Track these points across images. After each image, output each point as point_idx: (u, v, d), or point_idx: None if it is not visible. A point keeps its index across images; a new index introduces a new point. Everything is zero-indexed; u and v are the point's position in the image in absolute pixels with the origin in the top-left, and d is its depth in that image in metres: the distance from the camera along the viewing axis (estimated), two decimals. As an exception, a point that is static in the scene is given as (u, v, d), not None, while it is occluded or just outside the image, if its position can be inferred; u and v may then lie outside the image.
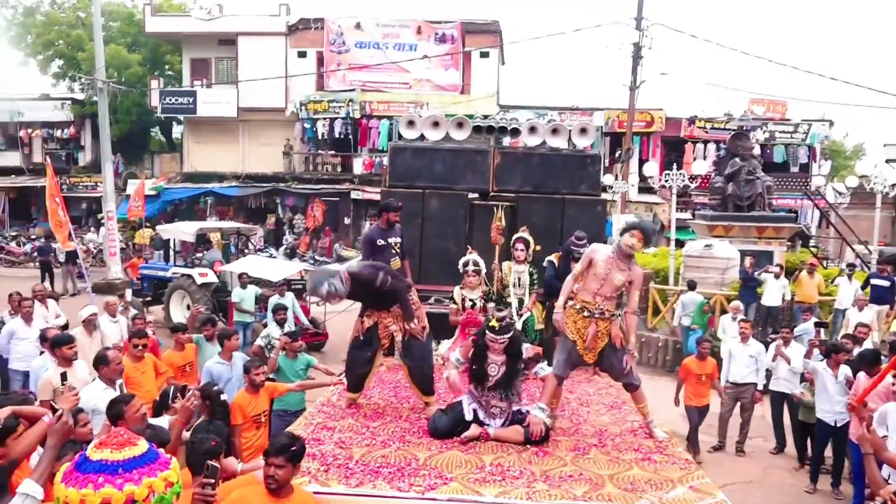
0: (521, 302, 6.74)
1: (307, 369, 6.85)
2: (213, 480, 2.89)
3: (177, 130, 32.61)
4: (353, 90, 27.36)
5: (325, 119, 27.40)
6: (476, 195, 7.88)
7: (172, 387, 5.24)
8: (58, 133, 29.86)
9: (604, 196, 8.34)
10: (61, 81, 32.19)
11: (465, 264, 6.37)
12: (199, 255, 15.08)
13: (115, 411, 4.06)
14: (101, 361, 5.35)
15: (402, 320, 5.09)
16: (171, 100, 28.00)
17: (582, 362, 4.88)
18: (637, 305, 4.75)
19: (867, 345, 8.61)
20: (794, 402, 8.20)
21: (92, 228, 27.11)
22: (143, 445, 1.93)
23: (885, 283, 11.92)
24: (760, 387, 8.58)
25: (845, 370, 7.06)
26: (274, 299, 11.47)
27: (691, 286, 12.57)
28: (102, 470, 1.84)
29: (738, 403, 8.62)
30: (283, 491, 3.29)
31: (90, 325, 7.66)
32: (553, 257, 6.76)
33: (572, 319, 4.72)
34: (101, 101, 18.22)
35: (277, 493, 3.28)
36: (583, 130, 7.90)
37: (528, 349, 5.08)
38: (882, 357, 7.22)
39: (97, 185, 24.98)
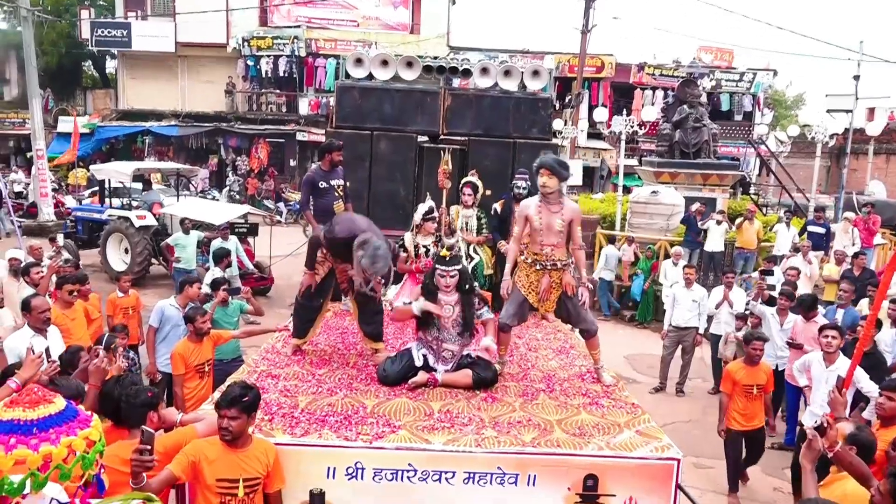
0: (469, 246, 6.67)
1: (240, 315, 6.70)
2: (149, 446, 2.79)
3: (111, 65, 30.96)
4: (298, 27, 26.36)
5: (269, 56, 26.40)
6: (426, 138, 7.68)
7: (108, 333, 5.02)
8: (-21, 65, 28.05)
9: (554, 141, 8.23)
10: (-19, 10, 30.06)
11: (430, 212, 6.20)
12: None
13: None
14: (24, 308, 5.09)
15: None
16: (103, 32, 26.38)
17: (532, 311, 4.86)
18: (582, 240, 4.70)
19: (804, 289, 8.92)
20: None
21: (14, 168, 25.71)
22: (59, 403, 1.77)
23: (821, 230, 12.30)
24: (702, 330, 8.81)
25: (793, 318, 7.26)
26: (217, 243, 11.15)
27: (610, 240, 12.83)
28: (14, 430, 1.68)
29: (680, 346, 8.85)
30: (239, 441, 3.22)
31: (12, 270, 7.30)
32: (497, 205, 6.68)
33: (525, 273, 4.68)
34: (26, 31, 17.09)
35: (234, 443, 3.20)
36: (535, 73, 7.72)
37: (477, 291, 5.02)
38: (818, 302, 7.47)
39: (25, 121, 23.61)
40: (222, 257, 9.34)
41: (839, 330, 5.78)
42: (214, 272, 9.02)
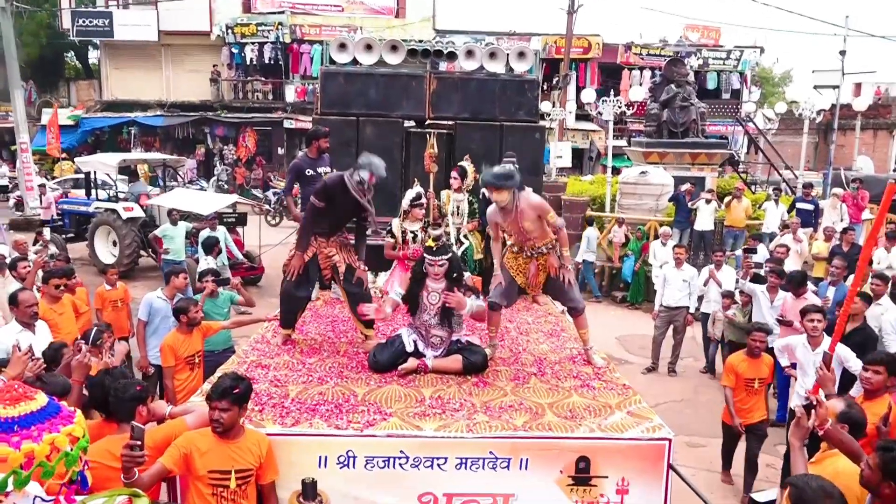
0: (459, 231, 6.64)
1: (230, 306, 6.67)
2: (139, 441, 2.78)
3: (93, 55, 30.56)
4: (282, 12, 26.09)
5: (253, 44, 26.14)
6: (412, 123, 7.62)
7: (95, 328, 4.97)
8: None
9: (542, 123, 8.18)
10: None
11: (418, 197, 6.14)
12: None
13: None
14: (11, 302, 5.04)
15: (346, 251, 4.91)
16: (84, 21, 25.99)
17: (523, 290, 4.86)
18: (558, 221, 4.67)
19: (793, 266, 8.94)
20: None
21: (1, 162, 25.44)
22: (41, 399, 1.74)
23: (809, 207, 12.35)
24: (693, 310, 8.84)
25: (783, 296, 7.27)
26: (205, 233, 11.09)
27: (589, 222, 12.85)
28: (-5, 428, 1.65)
29: (671, 326, 8.88)
30: (231, 432, 3.21)
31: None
32: (486, 189, 6.64)
33: (513, 256, 4.69)
34: (5, 22, 16.81)
35: (225, 435, 3.18)
36: (521, 54, 7.67)
37: (466, 279, 5.00)
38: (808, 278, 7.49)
39: (8, 114, 23.30)
40: (213, 246, 9.28)
41: (822, 312, 5.60)
42: (207, 261, 8.97)
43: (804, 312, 5.58)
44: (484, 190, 6.64)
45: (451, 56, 7.59)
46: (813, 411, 3.26)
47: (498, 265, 4.75)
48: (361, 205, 4.62)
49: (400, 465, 3.43)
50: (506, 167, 4.52)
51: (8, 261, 7.12)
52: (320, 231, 4.86)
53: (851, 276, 7.89)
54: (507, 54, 7.48)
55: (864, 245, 4.06)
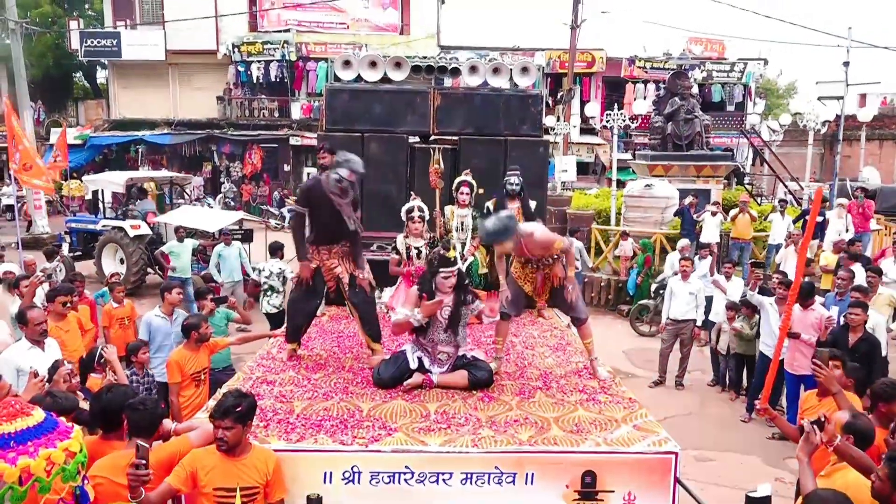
0: (464, 246, 6.65)
1: (227, 324, 6.69)
2: (144, 460, 2.79)
3: (101, 75, 30.87)
4: (288, 31, 26.33)
5: (259, 62, 26.40)
6: (417, 138, 7.66)
7: (100, 347, 5.01)
8: (-31, 79, 27.93)
9: (546, 137, 8.22)
10: (-32, 22, 29.95)
11: (410, 210, 6.14)
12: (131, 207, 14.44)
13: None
14: (20, 320, 5.07)
15: (347, 261, 4.93)
16: (92, 42, 26.33)
17: (530, 304, 4.89)
18: (564, 244, 4.68)
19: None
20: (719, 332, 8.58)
21: (6, 181, 25.61)
22: (38, 415, 1.74)
23: (818, 219, 12.30)
24: (699, 322, 8.80)
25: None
26: (219, 248, 11.20)
27: (572, 232, 12.79)
28: (-9, 443, 1.66)
29: (679, 339, 8.83)
30: (237, 450, 3.20)
31: (5, 283, 7.28)
32: (490, 203, 6.65)
33: (520, 268, 4.73)
34: (15, 44, 17.07)
35: (231, 452, 3.18)
36: (524, 70, 7.71)
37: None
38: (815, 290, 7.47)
39: (16, 134, 23.54)
40: (277, 249, 9.46)
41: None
42: (270, 263, 9.37)
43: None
44: (488, 204, 6.68)
45: (455, 72, 7.65)
46: (822, 427, 3.27)
47: (503, 277, 4.76)
48: (344, 208, 4.63)
49: (405, 480, 3.42)
50: (498, 221, 4.40)
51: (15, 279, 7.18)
52: (318, 241, 4.88)
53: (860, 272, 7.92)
54: (511, 69, 7.52)
55: (809, 220, 4.21)
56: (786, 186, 18.83)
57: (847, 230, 11.68)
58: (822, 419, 3.34)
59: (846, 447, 3.31)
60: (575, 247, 12.80)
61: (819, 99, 22.62)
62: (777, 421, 4.46)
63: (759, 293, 7.81)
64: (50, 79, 28.10)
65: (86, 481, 1.78)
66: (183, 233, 11.47)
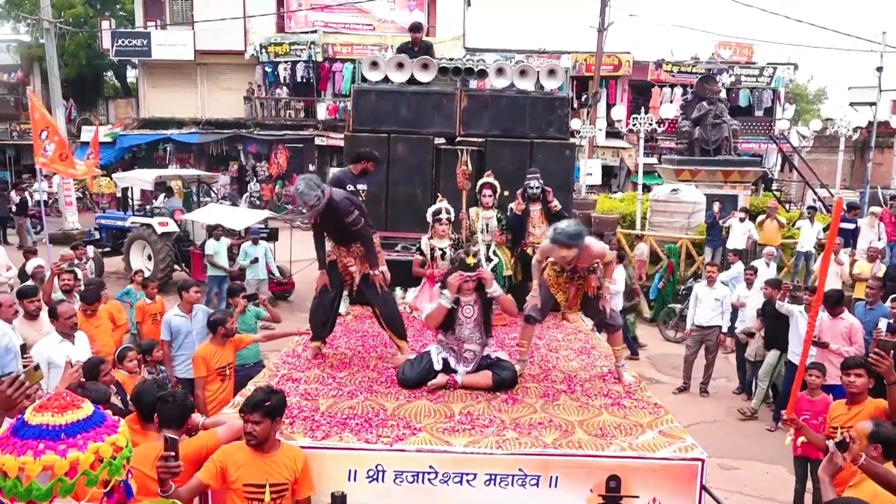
0: (489, 248, 6.64)
1: (257, 322, 6.75)
2: (173, 452, 2.82)
3: (131, 74, 31.34)
4: (314, 32, 26.52)
5: (286, 63, 26.61)
6: (442, 140, 7.67)
7: (123, 346, 5.12)
8: (5, 77, 28.53)
9: (572, 140, 8.18)
10: (5, 23, 30.57)
11: (437, 212, 6.12)
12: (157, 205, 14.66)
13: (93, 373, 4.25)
14: (51, 314, 5.18)
15: (362, 262, 4.98)
16: (123, 42, 26.73)
17: (555, 307, 4.87)
18: (610, 256, 4.67)
19: (832, 285, 8.77)
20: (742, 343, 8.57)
21: (39, 178, 26.12)
22: (87, 408, 1.77)
23: (850, 226, 12.12)
24: (725, 329, 8.71)
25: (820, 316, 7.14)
26: (246, 246, 11.34)
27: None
28: (43, 435, 1.68)
29: (703, 346, 8.75)
30: (266, 446, 3.22)
31: (37, 278, 7.43)
32: (514, 205, 6.63)
33: (555, 276, 4.69)
34: (49, 43, 17.38)
35: (260, 448, 3.21)
36: (551, 72, 7.68)
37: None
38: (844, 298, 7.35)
39: (49, 132, 23.97)
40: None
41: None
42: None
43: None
44: (511, 205, 6.66)
45: (482, 74, 7.64)
46: (846, 448, 3.24)
47: (537, 283, 4.73)
48: (351, 232, 4.80)
49: (429, 480, 3.42)
50: (576, 225, 4.37)
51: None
52: (336, 242, 5.03)
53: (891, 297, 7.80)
54: (538, 72, 7.50)
55: (831, 228, 4.15)
56: (815, 193, 18.55)
57: (879, 238, 11.48)
58: (847, 439, 3.31)
59: (870, 465, 3.26)
60: None
61: (851, 104, 22.25)
62: (805, 431, 4.38)
63: (790, 301, 7.72)
64: (81, 78, 28.56)
65: (129, 475, 1.80)
66: (220, 232, 11.62)
